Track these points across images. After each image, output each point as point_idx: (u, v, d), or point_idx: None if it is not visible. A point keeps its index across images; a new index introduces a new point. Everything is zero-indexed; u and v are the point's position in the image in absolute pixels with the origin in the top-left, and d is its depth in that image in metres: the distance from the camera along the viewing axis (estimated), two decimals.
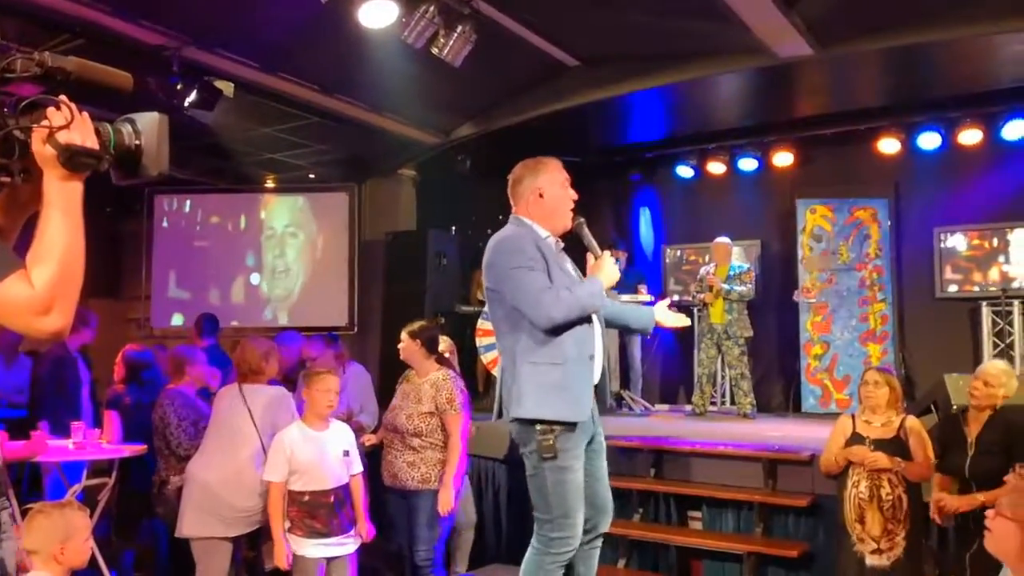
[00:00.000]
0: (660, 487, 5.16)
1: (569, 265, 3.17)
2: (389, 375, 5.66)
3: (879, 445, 3.75)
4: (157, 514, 4.42)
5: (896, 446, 3.74)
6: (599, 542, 3.23)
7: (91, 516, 2.86)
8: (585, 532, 3.13)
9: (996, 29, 5.53)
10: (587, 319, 3.03)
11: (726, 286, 7.06)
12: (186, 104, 5.76)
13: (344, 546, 3.74)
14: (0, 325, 1.41)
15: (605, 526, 3.21)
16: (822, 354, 7.62)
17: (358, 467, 3.87)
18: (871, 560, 3.69)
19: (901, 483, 3.70)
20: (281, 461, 3.64)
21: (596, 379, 3.09)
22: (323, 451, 3.71)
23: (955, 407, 4.29)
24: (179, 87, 5.68)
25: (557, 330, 2.95)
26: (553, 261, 3.04)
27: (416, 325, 4.38)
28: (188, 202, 8.86)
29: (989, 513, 2.54)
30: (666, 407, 8.35)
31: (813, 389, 7.59)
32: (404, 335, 4.32)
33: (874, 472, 3.71)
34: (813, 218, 7.84)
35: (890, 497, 3.67)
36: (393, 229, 8.31)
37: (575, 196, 3.16)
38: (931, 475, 3.76)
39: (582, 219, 3.13)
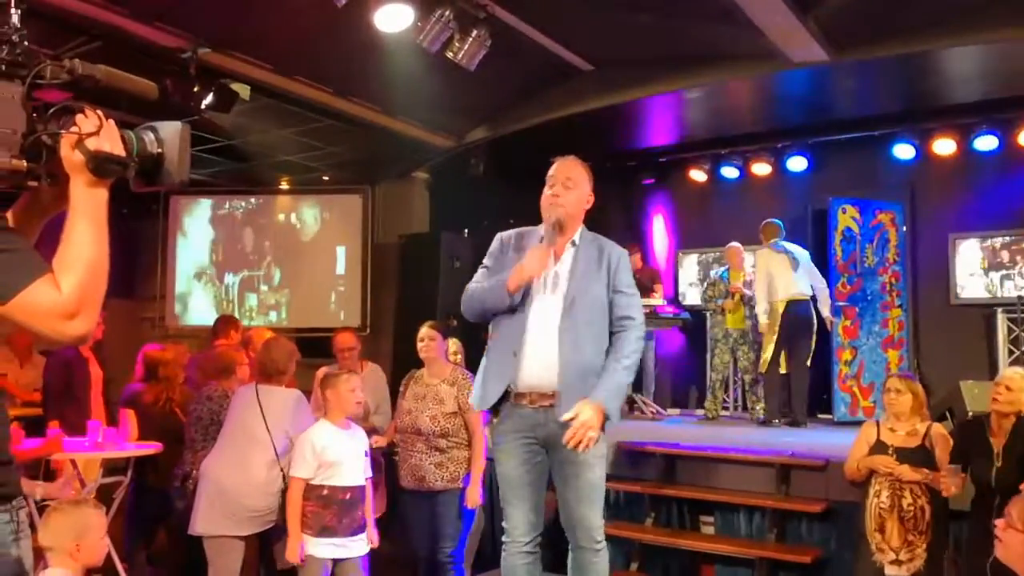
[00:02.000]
0: (672, 491, 5.15)
1: (558, 266, 3.12)
2: (401, 376, 5.66)
3: (903, 454, 3.70)
4: (176, 508, 4.41)
5: (921, 455, 3.69)
6: (583, 554, 3.08)
7: (106, 514, 2.87)
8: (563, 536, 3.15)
9: (1012, 35, 5.50)
10: (516, 312, 3.04)
11: (749, 292, 7.06)
12: (203, 106, 5.81)
13: (351, 548, 3.74)
14: (23, 327, 1.42)
15: (583, 541, 3.08)
16: (851, 360, 7.38)
17: (369, 471, 3.89)
18: (890, 570, 3.64)
19: (924, 493, 3.64)
20: (310, 458, 3.66)
21: (534, 382, 3.02)
22: (348, 449, 3.76)
23: (971, 413, 4.26)
24: (196, 90, 5.73)
25: (486, 322, 3.23)
26: (512, 259, 3.12)
27: (437, 322, 4.34)
28: (203, 203, 8.92)
29: (999, 523, 2.52)
30: (678, 411, 8.34)
31: (844, 396, 7.31)
32: (432, 331, 4.23)
33: (897, 481, 3.66)
34: (844, 218, 7.60)
35: (911, 508, 3.62)
36: (406, 231, 8.35)
37: (556, 192, 3.11)
38: (961, 485, 3.66)
39: (554, 220, 3.07)
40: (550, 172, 3.17)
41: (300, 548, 3.61)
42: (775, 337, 6.78)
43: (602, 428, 2.95)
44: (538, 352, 3.02)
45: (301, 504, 3.66)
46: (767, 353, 6.85)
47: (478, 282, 3.20)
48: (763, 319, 6.85)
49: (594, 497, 3.07)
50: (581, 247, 3.17)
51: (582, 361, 3.02)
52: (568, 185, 3.12)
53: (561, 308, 3.05)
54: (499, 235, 3.29)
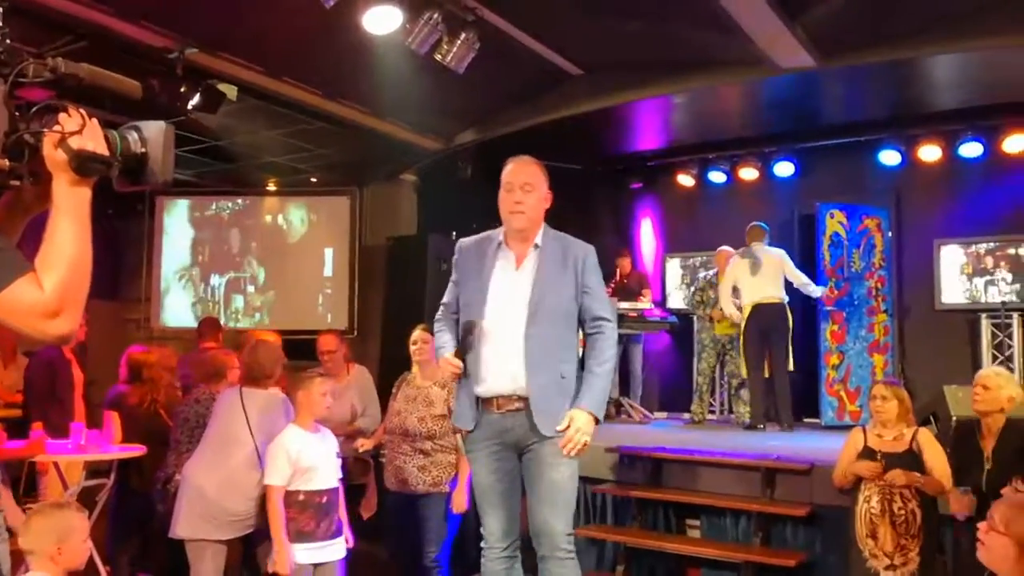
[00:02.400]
0: (658, 495, 5.15)
1: (503, 271, 3.11)
2: (389, 379, 5.66)
3: (891, 459, 3.71)
4: (158, 512, 4.37)
5: (909, 459, 3.70)
6: (547, 564, 2.99)
7: (89, 517, 2.85)
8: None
9: (997, 43, 5.55)
10: (480, 325, 3.06)
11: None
12: (189, 107, 5.78)
13: (330, 552, 3.73)
14: (5, 326, 1.41)
15: (546, 548, 2.99)
16: (838, 364, 7.42)
17: (340, 472, 3.88)
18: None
19: (915, 497, 3.65)
20: (284, 464, 3.63)
21: (503, 390, 3.02)
22: (321, 452, 3.74)
23: (954, 418, 4.29)
24: (183, 90, 5.70)
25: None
26: (473, 268, 3.15)
27: (429, 325, 4.32)
28: (189, 204, 8.88)
29: (982, 526, 2.54)
30: (665, 415, 8.35)
31: (831, 401, 7.35)
32: (425, 334, 4.19)
33: (886, 486, 3.67)
34: (832, 223, 7.67)
35: (902, 512, 3.63)
36: (394, 233, 8.33)
37: (516, 199, 3.05)
38: (947, 489, 3.68)
39: (472, 327, 3.04)
40: (506, 175, 3.11)
41: (290, 557, 3.58)
42: (743, 341, 6.85)
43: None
44: (502, 359, 3.01)
45: (282, 511, 3.62)
46: (740, 357, 6.94)
47: (446, 303, 3.27)
48: (733, 320, 6.94)
49: (557, 500, 2.98)
50: (544, 249, 3.11)
51: (552, 366, 3.01)
52: (527, 189, 3.06)
53: (526, 315, 3.01)
54: (459, 243, 3.29)
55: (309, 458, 3.66)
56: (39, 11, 4.84)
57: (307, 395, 3.74)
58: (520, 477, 3.12)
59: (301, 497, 3.65)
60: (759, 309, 6.75)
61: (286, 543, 3.59)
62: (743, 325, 6.83)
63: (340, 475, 3.86)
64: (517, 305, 3.04)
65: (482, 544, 3.15)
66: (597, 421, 2.99)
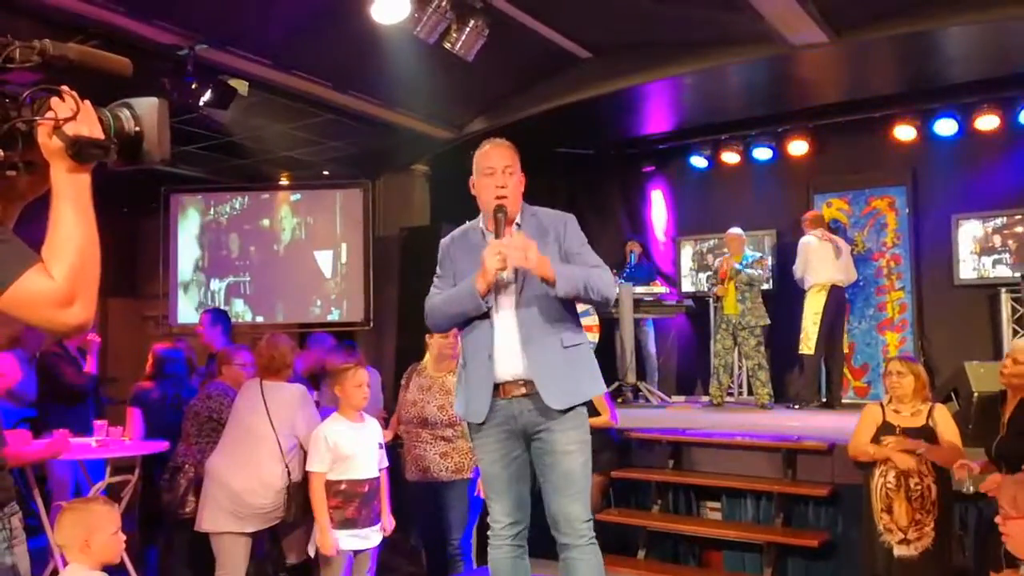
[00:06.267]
0: (678, 478, 5.17)
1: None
2: (405, 370, 5.68)
3: (909, 433, 3.73)
4: (163, 500, 4.39)
5: (927, 434, 3.72)
6: (567, 551, 2.94)
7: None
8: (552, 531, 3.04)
9: (1011, 13, 5.46)
10: (483, 316, 2.96)
11: (737, 265, 7.11)
12: (201, 103, 5.80)
13: (369, 539, 3.83)
14: (21, 321, 1.37)
15: (564, 537, 2.94)
16: None
17: (385, 462, 3.97)
18: (899, 551, 3.65)
19: (931, 472, 3.67)
20: (324, 452, 3.73)
21: (506, 376, 2.94)
22: (361, 442, 3.83)
23: (976, 394, 4.26)
24: (194, 87, 5.72)
25: (457, 332, 3.26)
26: (462, 258, 3.08)
27: None
28: (203, 200, 8.91)
29: (999, 520, 2.53)
30: (683, 399, 8.34)
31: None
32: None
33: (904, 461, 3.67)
34: (829, 211, 7.95)
35: (919, 487, 3.64)
36: (407, 224, 8.33)
37: (499, 183, 3.00)
38: (956, 461, 3.68)
39: (501, 208, 2.95)
40: (484, 159, 3.06)
41: (333, 540, 3.68)
42: (819, 320, 7.00)
43: (552, 284, 2.82)
44: (505, 345, 2.95)
45: (324, 497, 3.72)
46: (812, 339, 7.02)
47: (436, 293, 3.14)
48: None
49: (572, 488, 2.93)
50: (524, 228, 3.05)
51: (550, 337, 2.94)
52: (509, 172, 3.03)
53: (515, 294, 2.96)
54: (443, 242, 3.24)
55: (347, 447, 3.75)
56: (49, 12, 4.85)
57: (342, 389, 3.83)
58: (529, 464, 3.06)
59: (343, 487, 3.74)
60: (835, 291, 7.08)
61: (328, 526, 3.69)
62: (823, 304, 7.00)
63: (385, 464, 3.94)
64: (508, 288, 2.97)
65: (488, 533, 3.10)
66: (553, 282, 2.83)
